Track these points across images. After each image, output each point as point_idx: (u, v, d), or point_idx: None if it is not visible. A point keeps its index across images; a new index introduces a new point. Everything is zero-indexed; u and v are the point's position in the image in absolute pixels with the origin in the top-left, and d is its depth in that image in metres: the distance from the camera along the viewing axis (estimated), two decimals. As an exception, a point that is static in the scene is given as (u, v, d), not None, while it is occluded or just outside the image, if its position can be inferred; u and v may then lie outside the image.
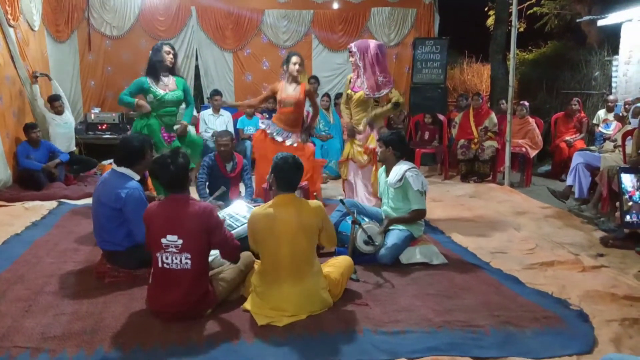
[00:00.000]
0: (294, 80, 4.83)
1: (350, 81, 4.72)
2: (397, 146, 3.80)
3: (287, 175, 2.81)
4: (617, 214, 4.14)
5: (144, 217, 2.78)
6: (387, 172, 3.87)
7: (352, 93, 4.67)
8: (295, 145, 4.83)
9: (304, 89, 4.84)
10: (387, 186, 3.84)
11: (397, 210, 3.79)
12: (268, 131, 4.90)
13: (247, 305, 2.83)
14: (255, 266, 3.06)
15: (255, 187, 4.84)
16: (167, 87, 4.46)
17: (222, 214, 3.71)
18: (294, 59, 4.82)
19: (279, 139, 4.86)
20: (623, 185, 4.00)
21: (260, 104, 5.62)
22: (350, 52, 4.62)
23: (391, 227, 3.70)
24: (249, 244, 2.92)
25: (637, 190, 3.69)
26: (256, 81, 8.47)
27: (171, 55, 4.46)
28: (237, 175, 4.72)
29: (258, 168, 4.99)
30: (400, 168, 3.73)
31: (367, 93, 4.53)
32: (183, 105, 4.80)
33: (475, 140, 6.80)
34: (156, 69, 4.41)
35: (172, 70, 4.54)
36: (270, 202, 2.84)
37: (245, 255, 3.11)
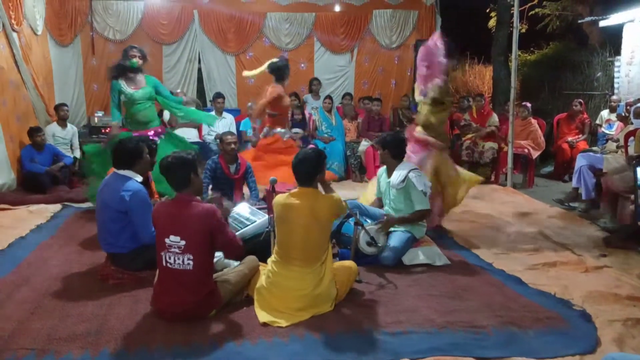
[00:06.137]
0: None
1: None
2: (393, 148, 3.81)
3: (303, 170, 2.90)
4: (623, 210, 4.12)
5: (153, 216, 2.82)
6: (389, 173, 3.88)
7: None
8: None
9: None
10: (389, 187, 3.85)
11: (398, 212, 3.79)
12: (284, 137, 5.28)
13: (257, 285, 2.94)
14: (261, 269, 3.09)
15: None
16: (136, 86, 4.70)
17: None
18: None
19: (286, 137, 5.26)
20: (637, 179, 3.98)
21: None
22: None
23: (392, 229, 3.71)
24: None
25: None
26: (258, 84, 8.46)
27: (137, 57, 4.74)
28: (240, 177, 4.73)
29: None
30: (403, 169, 3.74)
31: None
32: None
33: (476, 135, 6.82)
34: (124, 71, 4.67)
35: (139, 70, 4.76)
36: (293, 191, 2.94)
37: (249, 259, 3.13)
